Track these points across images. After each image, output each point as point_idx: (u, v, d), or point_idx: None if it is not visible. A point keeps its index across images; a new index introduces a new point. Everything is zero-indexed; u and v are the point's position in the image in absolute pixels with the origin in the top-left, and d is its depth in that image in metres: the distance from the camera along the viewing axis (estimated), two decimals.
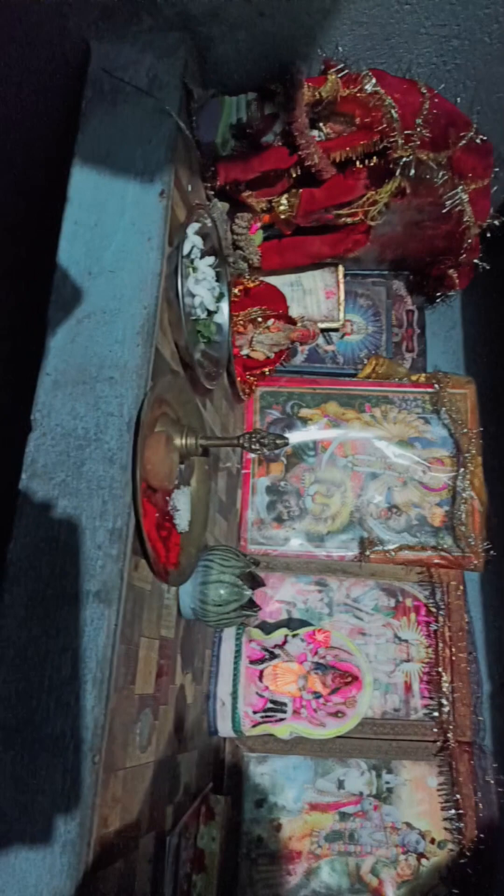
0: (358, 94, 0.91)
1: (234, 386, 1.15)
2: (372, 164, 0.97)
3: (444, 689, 1.16)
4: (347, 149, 0.95)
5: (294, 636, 1.06)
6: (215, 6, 0.87)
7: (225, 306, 0.96)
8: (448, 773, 1.13)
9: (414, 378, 1.34)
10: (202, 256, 0.90)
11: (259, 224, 1.09)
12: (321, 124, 0.96)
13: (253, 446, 0.79)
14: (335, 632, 1.08)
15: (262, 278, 1.17)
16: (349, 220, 1.06)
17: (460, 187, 1.00)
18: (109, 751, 0.62)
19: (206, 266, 0.90)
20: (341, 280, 1.34)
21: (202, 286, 0.88)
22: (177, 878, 0.77)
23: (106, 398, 0.72)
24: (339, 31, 0.93)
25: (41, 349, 0.76)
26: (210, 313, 0.93)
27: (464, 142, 0.96)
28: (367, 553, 1.22)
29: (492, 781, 1.13)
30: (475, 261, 1.16)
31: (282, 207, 1.03)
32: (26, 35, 0.93)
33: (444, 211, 1.03)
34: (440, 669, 1.17)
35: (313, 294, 1.33)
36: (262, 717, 1.01)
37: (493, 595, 1.32)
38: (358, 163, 0.98)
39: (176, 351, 0.84)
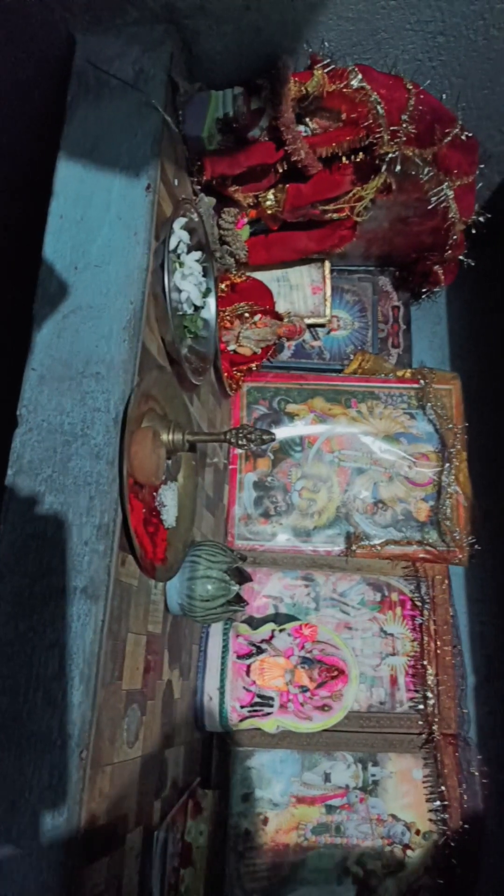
0: (344, 90, 0.91)
1: (220, 381, 1.15)
2: (358, 159, 0.97)
3: (430, 682, 1.17)
4: (333, 144, 0.95)
5: (281, 631, 1.06)
6: None
7: (212, 301, 0.95)
8: (433, 765, 1.14)
9: (400, 374, 1.35)
10: (189, 251, 0.90)
11: (246, 219, 1.09)
12: (307, 119, 0.96)
13: (240, 442, 0.79)
14: (322, 626, 1.08)
15: (248, 274, 1.17)
16: (335, 215, 1.06)
17: (446, 183, 1.00)
18: (97, 746, 0.62)
19: (192, 261, 0.90)
20: (328, 276, 1.34)
21: (189, 281, 0.88)
22: (164, 873, 0.77)
23: (92, 394, 0.72)
24: (326, 25, 0.93)
25: (27, 344, 0.76)
26: (197, 308, 0.93)
27: (449, 138, 0.97)
28: (354, 548, 1.23)
29: (476, 773, 1.15)
30: (460, 257, 1.17)
31: (268, 202, 1.03)
32: (10, 27, 0.91)
33: (429, 207, 1.03)
34: (425, 663, 1.18)
35: (300, 289, 1.33)
36: (249, 711, 1.02)
37: (477, 589, 1.33)
38: (344, 158, 0.98)
39: (162, 346, 0.84)
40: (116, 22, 0.90)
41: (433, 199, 1.02)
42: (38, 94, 1.01)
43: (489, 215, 1.08)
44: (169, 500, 0.82)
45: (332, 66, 0.92)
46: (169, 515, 0.82)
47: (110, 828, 0.65)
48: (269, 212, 1.05)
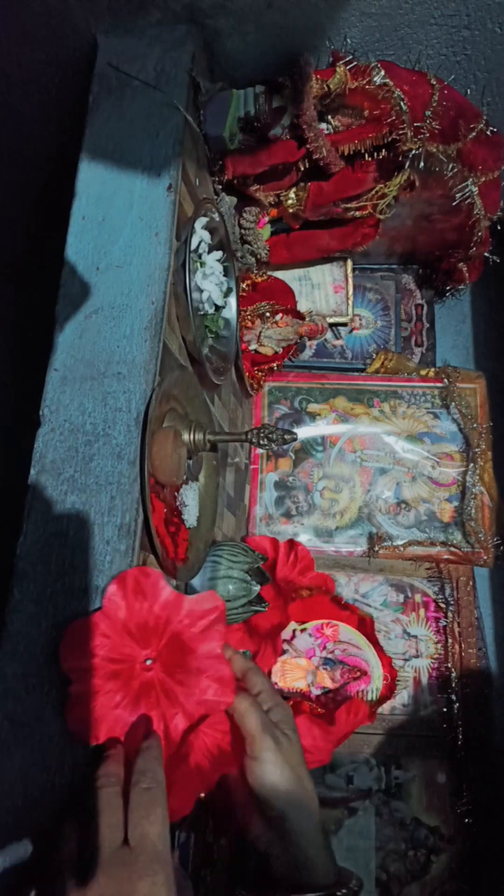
0: (367, 86, 0.90)
1: (242, 381, 1.15)
2: (381, 156, 0.97)
3: (454, 686, 1.16)
4: (356, 141, 0.94)
5: (302, 630, 1.05)
6: None
7: (233, 301, 0.95)
8: (458, 768, 1.13)
9: (423, 373, 1.33)
10: (210, 251, 0.90)
11: (267, 218, 1.08)
12: (329, 117, 0.95)
13: (261, 442, 0.79)
14: (343, 625, 1.08)
15: (270, 273, 1.16)
16: (358, 213, 1.06)
17: (470, 180, 0.99)
18: None
19: (213, 261, 0.90)
20: (350, 274, 1.33)
21: (210, 281, 0.88)
22: (185, 873, 0.77)
23: (114, 394, 0.72)
24: (348, 22, 0.92)
25: (49, 345, 0.76)
26: (218, 308, 0.93)
27: (474, 134, 0.95)
28: (376, 548, 1.22)
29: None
30: (485, 254, 1.15)
31: (290, 201, 1.03)
32: (32, 30, 0.92)
33: (454, 204, 1.02)
34: (449, 665, 1.17)
35: (321, 288, 1.33)
36: None
37: (503, 591, 1.31)
38: (367, 156, 0.97)
39: (184, 346, 0.84)
40: (138, 23, 0.90)
41: (457, 195, 1.00)
42: (59, 95, 1.02)
43: None
44: (190, 500, 0.82)
45: (355, 63, 0.91)
46: (190, 515, 0.82)
47: None
48: (290, 210, 1.04)
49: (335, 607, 1.06)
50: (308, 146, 0.93)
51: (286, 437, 0.78)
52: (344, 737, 0.93)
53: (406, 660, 1.18)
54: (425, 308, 1.42)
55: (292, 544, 1.03)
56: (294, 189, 1.02)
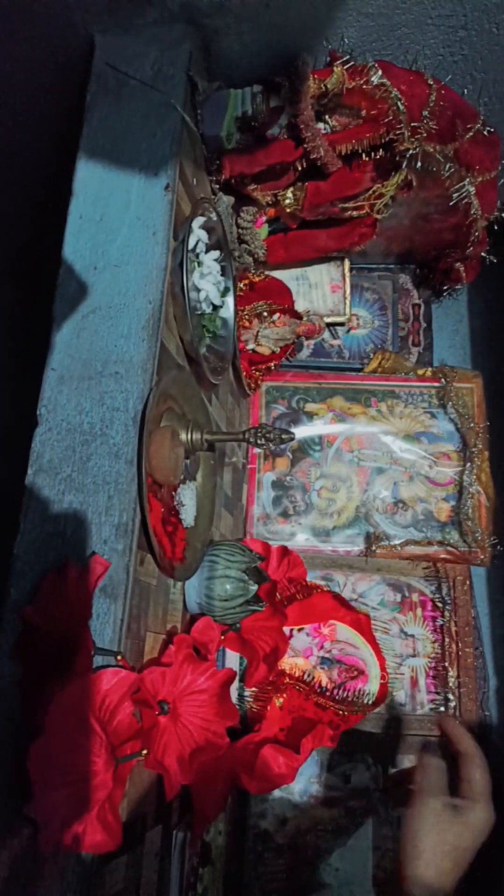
0: (364, 86, 0.90)
1: (239, 381, 1.15)
2: (378, 156, 0.97)
3: (451, 685, 1.16)
4: (353, 141, 0.94)
5: (300, 630, 1.05)
6: None
7: (230, 301, 0.95)
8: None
9: (420, 372, 1.33)
10: (207, 250, 0.90)
11: (264, 218, 1.08)
12: (327, 117, 0.95)
13: (258, 441, 0.79)
14: (341, 624, 1.08)
15: (267, 272, 1.16)
16: (355, 213, 1.06)
17: (467, 180, 0.99)
18: None
19: (211, 260, 0.90)
20: (347, 274, 1.33)
21: (207, 280, 0.88)
22: (183, 872, 0.77)
23: (111, 393, 0.72)
24: (345, 22, 0.92)
25: (46, 344, 0.76)
26: (215, 308, 0.93)
27: (471, 133, 0.95)
28: (374, 548, 1.22)
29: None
30: (482, 254, 1.15)
31: (287, 201, 1.03)
32: (30, 29, 0.92)
33: (451, 203, 1.02)
34: (446, 664, 1.17)
35: (319, 288, 1.33)
36: None
37: (499, 590, 1.32)
38: (364, 155, 0.97)
39: (181, 346, 0.84)
40: (136, 22, 0.90)
41: (454, 195, 1.00)
42: (57, 95, 1.02)
43: None
44: (188, 500, 0.82)
45: (352, 63, 0.91)
46: (188, 515, 0.82)
47: (130, 826, 0.65)
48: (288, 210, 1.04)
49: (336, 604, 1.06)
50: (305, 146, 0.93)
51: (283, 436, 0.78)
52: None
53: (403, 659, 1.18)
54: (422, 308, 1.42)
55: (285, 551, 1.03)
56: (291, 189, 1.02)
